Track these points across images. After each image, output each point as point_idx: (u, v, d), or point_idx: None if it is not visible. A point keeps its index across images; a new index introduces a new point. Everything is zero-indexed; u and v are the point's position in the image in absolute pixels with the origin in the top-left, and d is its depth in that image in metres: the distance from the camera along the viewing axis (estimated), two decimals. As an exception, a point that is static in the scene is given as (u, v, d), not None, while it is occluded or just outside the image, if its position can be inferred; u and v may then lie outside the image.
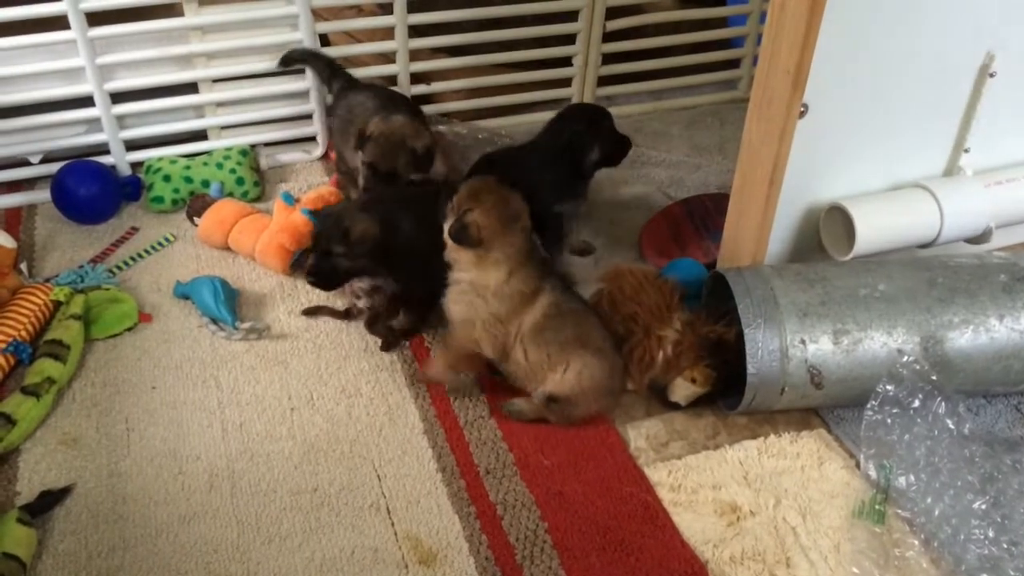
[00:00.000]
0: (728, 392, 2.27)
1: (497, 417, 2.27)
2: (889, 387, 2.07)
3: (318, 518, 2.01)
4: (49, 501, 2.00)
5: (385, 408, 2.29)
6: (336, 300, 2.62)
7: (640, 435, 2.24)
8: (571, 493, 2.08)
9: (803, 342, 2.10)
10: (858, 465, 2.13)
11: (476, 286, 2.14)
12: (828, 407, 2.27)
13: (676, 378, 2.27)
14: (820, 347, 2.10)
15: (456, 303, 2.18)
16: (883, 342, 2.10)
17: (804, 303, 2.12)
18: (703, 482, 2.10)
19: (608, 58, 3.47)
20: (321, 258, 2.32)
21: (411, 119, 2.67)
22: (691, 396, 2.28)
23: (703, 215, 2.90)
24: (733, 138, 3.39)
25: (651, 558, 1.93)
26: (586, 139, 2.62)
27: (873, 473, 2.08)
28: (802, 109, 2.13)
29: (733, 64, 3.72)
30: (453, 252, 2.15)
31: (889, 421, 2.08)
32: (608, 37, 3.40)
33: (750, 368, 2.10)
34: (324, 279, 2.37)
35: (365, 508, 2.04)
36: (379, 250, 2.29)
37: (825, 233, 2.38)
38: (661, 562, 1.92)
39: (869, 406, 2.09)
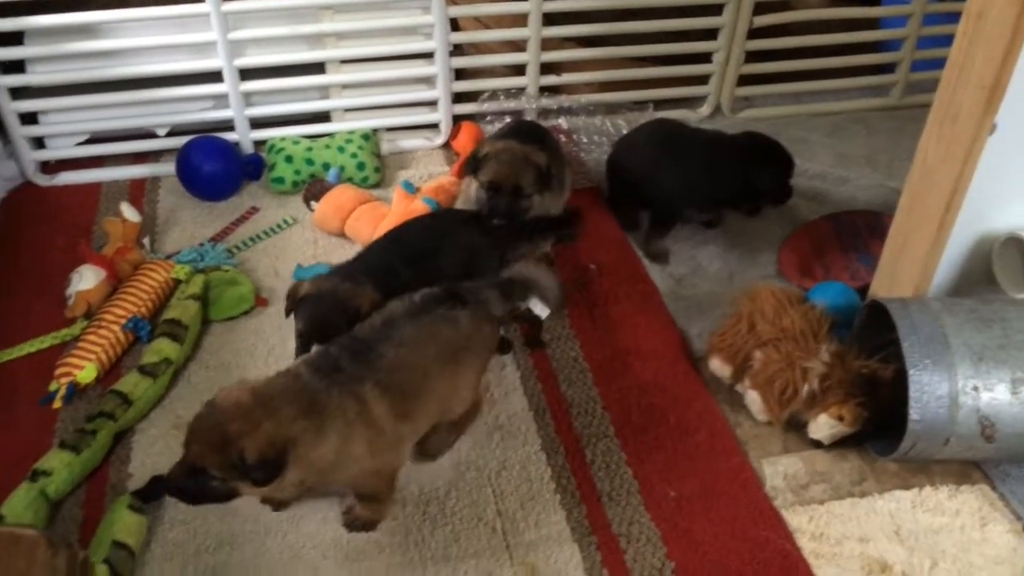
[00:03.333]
0: (877, 434, 2.07)
1: (621, 439, 2.12)
2: (1072, 447, 1.85)
3: (432, 532, 1.91)
4: (160, 488, 1.95)
5: (505, 415, 2.18)
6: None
7: (777, 473, 2.06)
8: (699, 532, 1.92)
9: (976, 389, 1.88)
10: (1027, 529, 1.91)
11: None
12: (994, 461, 2.04)
13: (821, 414, 2.07)
14: (996, 396, 1.87)
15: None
16: (1068, 396, 1.87)
17: (979, 346, 1.90)
18: (848, 533, 1.91)
19: (750, 56, 3.25)
20: None
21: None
22: (836, 435, 2.08)
23: (853, 234, 2.68)
24: (884, 149, 3.17)
25: (790, 615, 1.76)
26: (763, 177, 2.69)
27: (1046, 541, 1.86)
28: (991, 127, 1.91)
29: (886, 69, 3.44)
30: None
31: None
32: (752, 34, 3.18)
33: (913, 414, 1.89)
34: None
35: (481, 526, 1.93)
36: None
37: (998, 266, 2.14)
38: (802, 621, 1.75)
39: (1046, 465, 1.87)
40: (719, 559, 1.86)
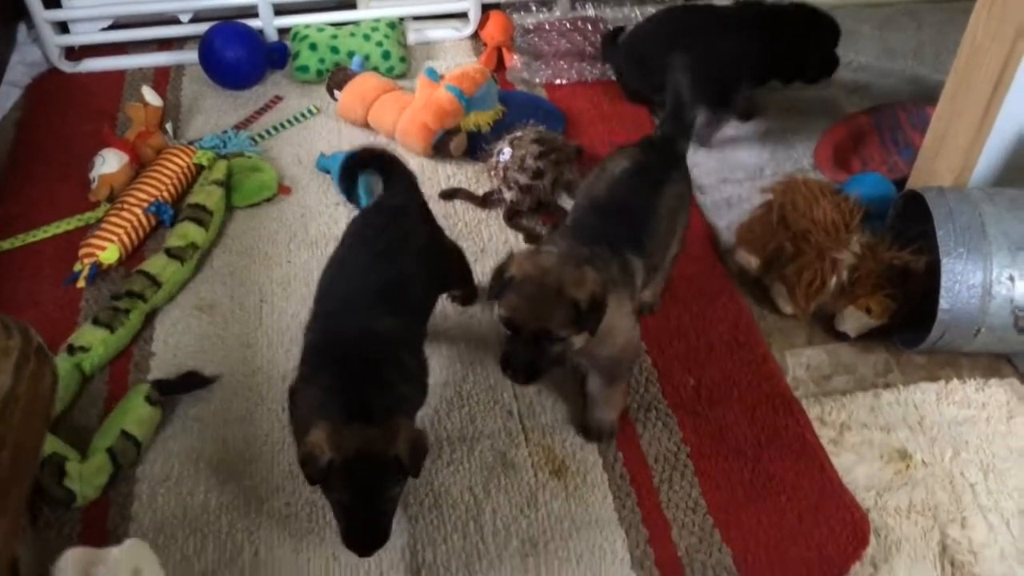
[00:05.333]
0: (906, 327, 2.01)
1: (642, 327, 2.09)
2: (1110, 340, 1.78)
3: (448, 414, 1.91)
4: (189, 384, 1.96)
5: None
6: (478, 184, 2.48)
7: (800, 364, 2.02)
8: (717, 418, 1.90)
9: (1011, 279, 1.80)
10: (1056, 424, 1.86)
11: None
12: (1025, 355, 1.99)
13: (848, 306, 2.02)
14: (1032, 287, 1.80)
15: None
16: (1110, 288, 1.79)
17: (1019, 235, 1.82)
18: (869, 423, 1.88)
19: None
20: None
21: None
22: (863, 328, 2.03)
23: (893, 127, 2.56)
24: (931, 43, 3.02)
25: (805, 499, 1.75)
26: (812, 46, 2.58)
27: (1075, 436, 1.81)
28: (1047, 2, 1.78)
29: (940, -43, 3.24)
30: None
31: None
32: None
33: (943, 303, 1.83)
34: None
35: (497, 408, 1.93)
36: None
37: (1047, 156, 2.04)
38: (817, 505, 1.73)
39: (1081, 359, 1.80)
40: (735, 444, 1.85)
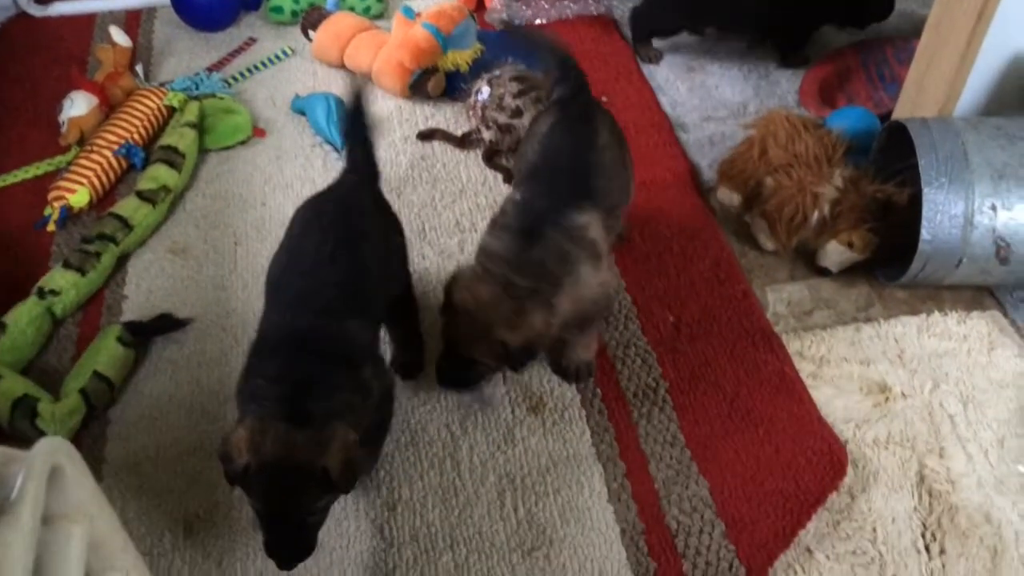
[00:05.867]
0: (889, 262, 1.99)
1: (622, 266, 2.06)
2: (1092, 270, 1.76)
3: (437, 345, 1.88)
4: (163, 326, 1.93)
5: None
6: (457, 124, 2.43)
7: (781, 300, 2.00)
8: (697, 354, 1.89)
9: (993, 208, 1.78)
10: (1036, 356, 1.85)
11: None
12: (1007, 287, 1.96)
13: (830, 241, 2.00)
14: (1014, 216, 1.78)
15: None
16: (1093, 217, 1.77)
17: (1001, 164, 1.79)
18: (849, 357, 1.86)
19: None
20: None
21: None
22: (845, 263, 2.01)
23: (879, 63, 2.51)
24: (922, -24, 2.94)
25: (782, 432, 1.74)
26: None
27: (1055, 366, 1.80)
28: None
29: None
30: None
31: (1085, 309, 1.77)
32: None
33: (924, 233, 1.80)
34: None
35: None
36: None
37: (1032, 86, 2.00)
38: (794, 437, 1.72)
39: (1062, 290, 1.79)
40: (714, 379, 1.83)
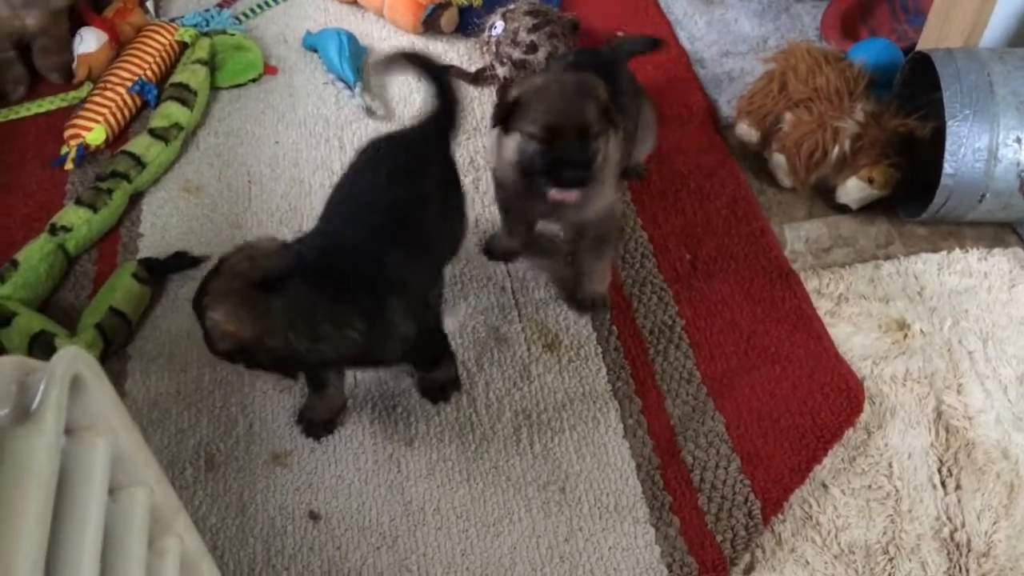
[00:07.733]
0: (909, 198, 1.96)
1: (638, 204, 2.04)
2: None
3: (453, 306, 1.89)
4: (178, 263, 1.93)
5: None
6: (471, 61, 2.39)
7: (799, 238, 1.98)
8: (713, 292, 1.88)
9: (1019, 141, 1.74)
10: (1059, 293, 1.83)
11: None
12: (1031, 224, 1.94)
13: (850, 177, 1.96)
14: (1040, 149, 1.74)
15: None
16: (1122, 150, 1.73)
17: (1029, 95, 1.74)
18: (868, 294, 1.85)
19: None
20: None
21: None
22: (865, 199, 1.98)
23: (904, -6, 2.45)
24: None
25: (799, 368, 1.73)
26: None
27: (1077, 303, 1.78)
28: None
29: None
30: None
31: (1110, 245, 1.75)
32: None
33: (947, 167, 1.77)
34: None
35: (491, 285, 1.91)
36: None
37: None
38: (811, 374, 1.72)
39: (1088, 226, 1.76)
40: (731, 317, 1.83)
